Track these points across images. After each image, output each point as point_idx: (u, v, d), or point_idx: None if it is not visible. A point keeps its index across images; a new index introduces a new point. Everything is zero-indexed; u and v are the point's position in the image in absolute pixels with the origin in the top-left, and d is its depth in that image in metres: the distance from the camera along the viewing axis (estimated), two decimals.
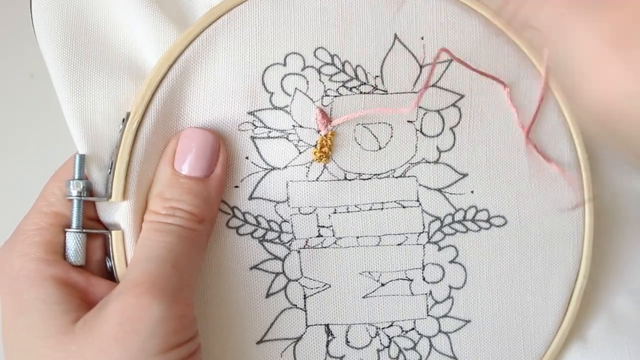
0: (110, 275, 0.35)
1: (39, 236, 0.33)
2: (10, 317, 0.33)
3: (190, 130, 0.35)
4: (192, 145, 0.34)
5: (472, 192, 0.39)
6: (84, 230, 0.34)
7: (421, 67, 0.38)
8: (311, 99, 0.37)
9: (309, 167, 0.37)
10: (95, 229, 0.35)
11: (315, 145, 0.37)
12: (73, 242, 0.34)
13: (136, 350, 0.31)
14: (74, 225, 0.34)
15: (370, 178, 0.38)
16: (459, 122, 0.38)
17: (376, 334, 0.38)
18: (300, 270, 0.37)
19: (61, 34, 0.34)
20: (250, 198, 0.36)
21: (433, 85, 0.38)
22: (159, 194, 0.34)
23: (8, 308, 0.33)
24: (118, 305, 0.31)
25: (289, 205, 0.37)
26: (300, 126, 0.36)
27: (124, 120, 0.34)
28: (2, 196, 0.37)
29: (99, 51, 0.35)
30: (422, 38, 0.37)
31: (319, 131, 0.37)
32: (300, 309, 0.37)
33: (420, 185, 0.38)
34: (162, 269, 0.32)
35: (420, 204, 0.38)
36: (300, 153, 0.37)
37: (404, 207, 0.38)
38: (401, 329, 0.38)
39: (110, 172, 0.34)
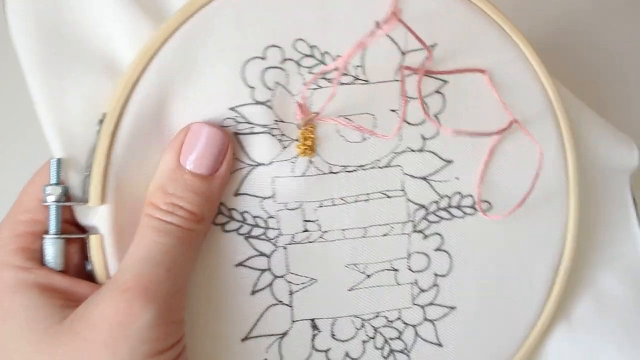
0: (89, 279, 0.34)
1: (16, 243, 0.32)
2: None
3: (199, 125, 0.34)
4: (202, 140, 0.33)
5: (457, 178, 0.38)
6: (62, 236, 0.33)
7: (403, 54, 0.37)
8: (291, 93, 0.36)
9: (294, 163, 0.36)
10: (73, 232, 0.34)
11: (298, 139, 0.36)
12: (51, 248, 0.33)
13: (125, 356, 0.30)
14: (51, 231, 0.33)
15: (355, 170, 0.37)
16: (443, 109, 0.38)
17: (362, 326, 0.38)
18: (286, 267, 0.37)
19: (33, 28, 0.32)
20: (236, 194, 0.36)
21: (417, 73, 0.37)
22: (161, 187, 0.33)
23: None
24: (107, 309, 0.30)
25: (275, 201, 0.36)
26: (282, 121, 0.35)
27: (100, 121, 0.33)
28: (1, 197, 0.36)
29: (73, 48, 0.33)
30: None
31: (299, 126, 0.36)
32: (286, 305, 0.37)
33: (405, 174, 0.38)
34: (155, 273, 0.31)
35: (405, 193, 0.38)
36: (284, 148, 0.36)
37: (388, 197, 0.38)
38: (386, 319, 0.38)
39: (87, 176, 0.33)
